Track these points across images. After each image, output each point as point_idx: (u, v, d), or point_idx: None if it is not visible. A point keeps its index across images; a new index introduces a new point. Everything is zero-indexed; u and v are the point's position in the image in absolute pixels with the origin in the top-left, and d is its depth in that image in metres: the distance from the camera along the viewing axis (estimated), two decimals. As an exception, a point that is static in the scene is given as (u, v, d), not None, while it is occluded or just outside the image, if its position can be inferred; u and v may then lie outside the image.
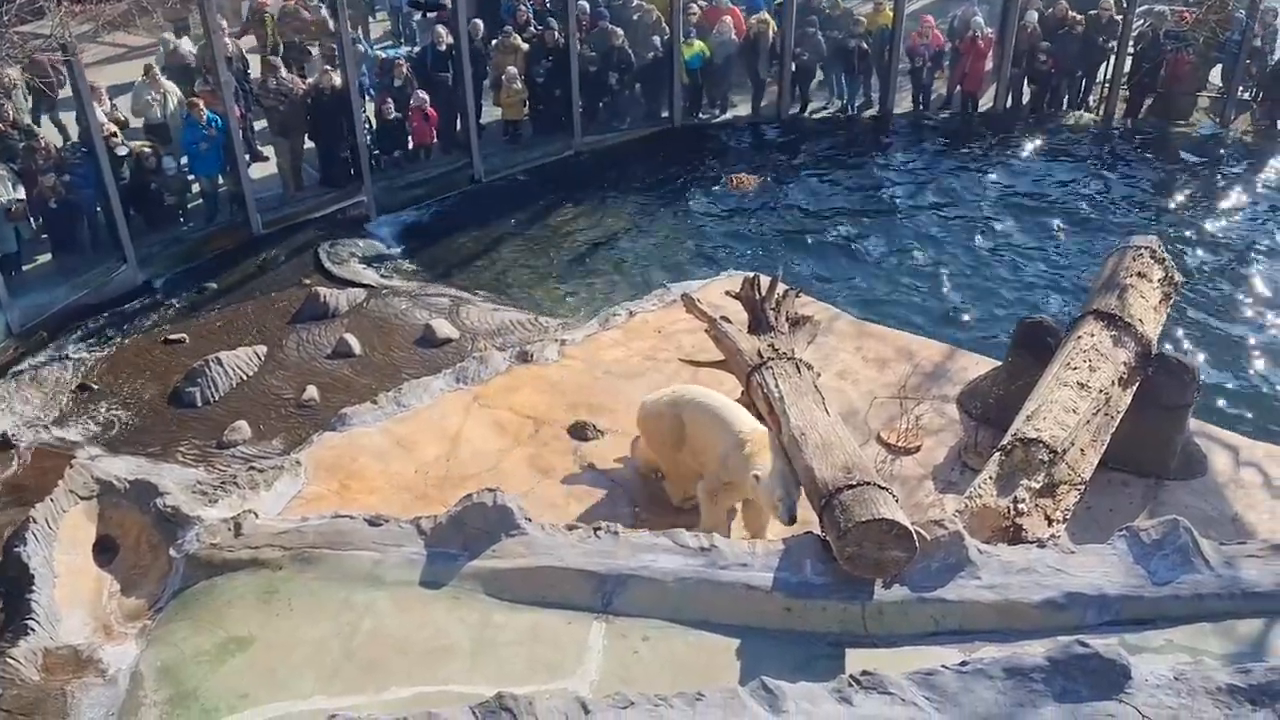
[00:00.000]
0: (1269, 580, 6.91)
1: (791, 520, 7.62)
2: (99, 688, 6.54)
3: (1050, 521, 7.75)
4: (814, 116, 18.86)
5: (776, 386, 8.61)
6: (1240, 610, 6.80)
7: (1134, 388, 9.00)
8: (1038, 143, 18.01)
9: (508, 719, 5.50)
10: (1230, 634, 6.69)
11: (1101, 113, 18.82)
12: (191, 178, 14.62)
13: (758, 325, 9.81)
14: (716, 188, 16.56)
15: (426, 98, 15.65)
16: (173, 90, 14.88)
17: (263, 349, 11.89)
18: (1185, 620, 6.77)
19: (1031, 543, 7.36)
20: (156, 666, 6.62)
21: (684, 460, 8.83)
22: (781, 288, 10.19)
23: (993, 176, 17.03)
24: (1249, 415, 11.40)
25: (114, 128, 13.62)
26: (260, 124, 15.76)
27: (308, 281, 13.46)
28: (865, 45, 18.29)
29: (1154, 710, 5.62)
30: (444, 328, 12.12)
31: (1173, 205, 16.31)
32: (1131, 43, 18.39)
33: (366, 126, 15.24)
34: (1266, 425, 11.19)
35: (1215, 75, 18.79)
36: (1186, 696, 5.74)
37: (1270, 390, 11.90)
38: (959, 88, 18.88)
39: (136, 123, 14.86)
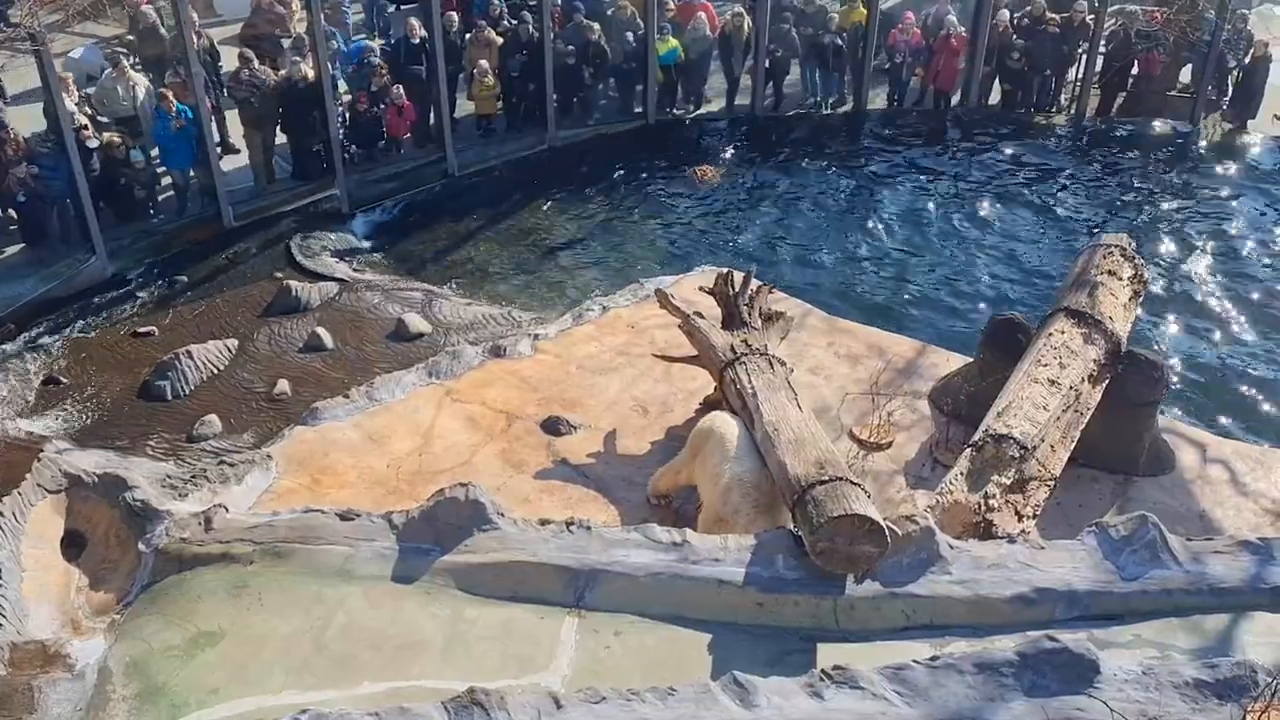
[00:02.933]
0: (1235, 576, 6.98)
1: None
2: (66, 682, 6.50)
3: (1020, 517, 7.79)
4: (788, 113, 18.90)
5: (750, 382, 8.64)
6: (1207, 606, 6.87)
7: (1104, 385, 9.07)
8: (1009, 140, 18.07)
9: (479, 714, 5.50)
10: (1197, 629, 6.75)
11: (1073, 111, 18.94)
12: (162, 170, 14.52)
13: (731, 321, 9.83)
14: (683, 181, 16.58)
15: (402, 91, 15.59)
16: (141, 82, 14.77)
17: (234, 342, 11.82)
18: (1153, 615, 6.83)
19: (1002, 538, 7.40)
20: (125, 661, 6.58)
21: (690, 469, 8.72)
22: (755, 283, 10.20)
23: (964, 174, 17.10)
24: (1217, 412, 11.50)
25: (84, 119, 13.50)
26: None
27: (279, 275, 13.37)
28: (839, 42, 18.34)
29: (1122, 704, 5.67)
30: (416, 322, 12.08)
31: (1142, 203, 16.43)
32: (1103, 42, 18.52)
33: (341, 120, 15.17)
34: (1234, 422, 11.30)
35: (1185, 74, 18.93)
36: (1154, 691, 5.80)
37: (1238, 388, 12.00)
38: (932, 85, 18.96)
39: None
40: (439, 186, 16.08)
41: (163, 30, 16.61)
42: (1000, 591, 6.86)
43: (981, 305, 13.41)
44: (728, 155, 17.46)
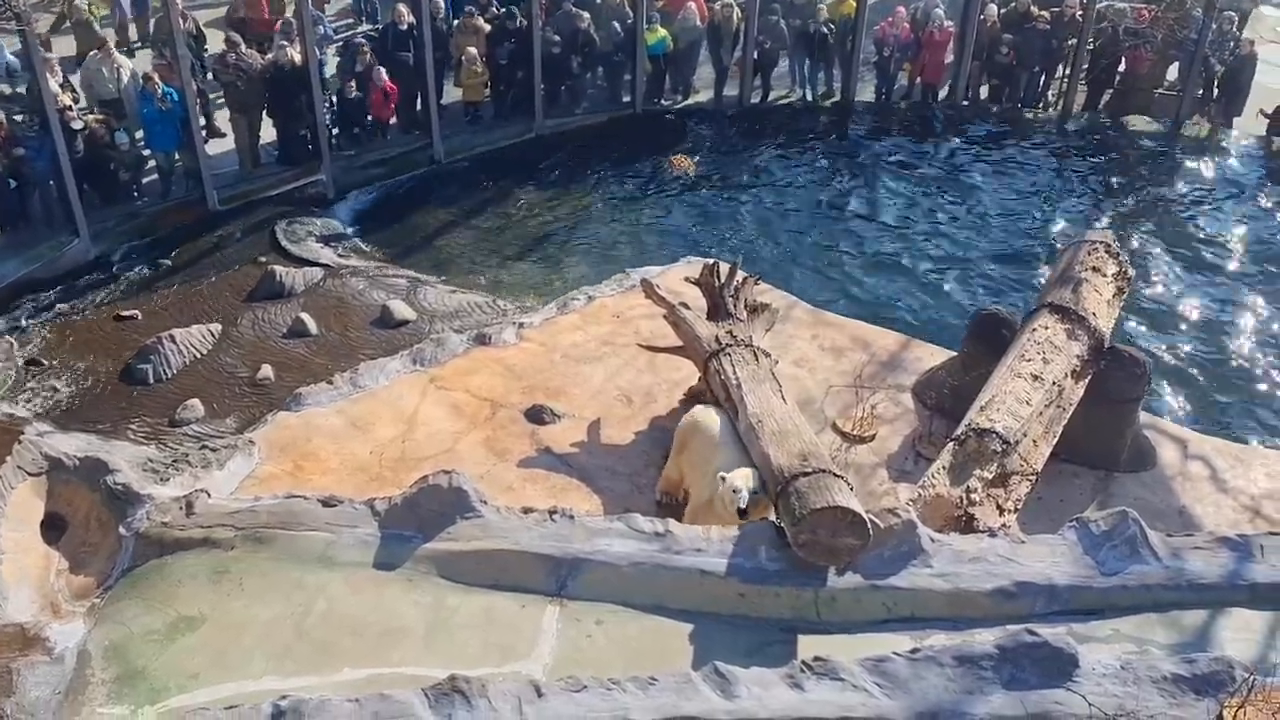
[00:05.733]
0: (1214, 572, 7.03)
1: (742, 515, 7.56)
2: (45, 666, 6.47)
3: (1002, 511, 7.82)
4: (776, 104, 18.90)
5: (734, 373, 8.65)
6: (1186, 601, 6.91)
7: (1086, 380, 9.11)
8: (996, 135, 18.12)
9: (460, 701, 5.51)
10: (1176, 624, 6.79)
11: (1059, 107, 18.98)
12: (147, 152, 14.44)
13: (716, 312, 9.84)
14: (667, 171, 16.58)
15: (384, 71, 15.51)
16: (126, 64, 14.67)
17: (217, 327, 11.77)
18: (1132, 610, 6.87)
19: (983, 532, 7.43)
20: (104, 645, 6.56)
21: (680, 465, 8.77)
22: (740, 275, 10.21)
23: (950, 168, 17.13)
24: (1199, 409, 11.55)
25: (68, 100, 13.41)
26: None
27: (264, 260, 13.31)
28: (828, 33, 18.35)
29: (1100, 698, 5.71)
30: (401, 309, 12.04)
31: (1127, 200, 16.47)
32: (1091, 38, 18.57)
33: (327, 105, 15.11)
34: (1215, 419, 11.34)
35: (1173, 72, 18.99)
36: (1132, 685, 5.84)
37: (1219, 384, 12.04)
38: (919, 79, 18.99)
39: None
40: (425, 173, 16.03)
41: (97, 26, 16.54)
42: (981, 585, 6.88)
43: (966, 300, 13.43)
44: (716, 146, 17.45)
